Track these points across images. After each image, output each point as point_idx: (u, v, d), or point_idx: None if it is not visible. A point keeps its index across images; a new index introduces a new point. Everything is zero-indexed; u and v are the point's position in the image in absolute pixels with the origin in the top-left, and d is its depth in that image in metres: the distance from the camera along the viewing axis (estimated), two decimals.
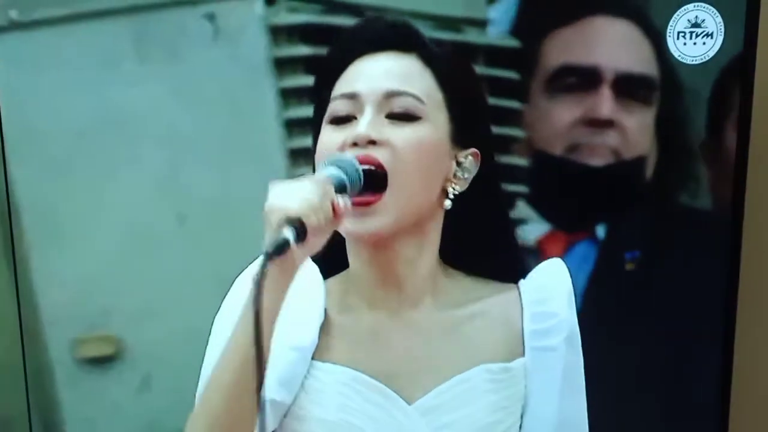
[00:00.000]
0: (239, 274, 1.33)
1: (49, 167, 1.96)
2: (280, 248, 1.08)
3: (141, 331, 2.01)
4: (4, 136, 1.94)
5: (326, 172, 1.17)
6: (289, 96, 1.91)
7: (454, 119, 1.27)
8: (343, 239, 1.29)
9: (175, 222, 1.97)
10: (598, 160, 1.92)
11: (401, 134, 1.22)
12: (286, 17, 1.89)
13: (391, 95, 1.23)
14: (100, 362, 2.02)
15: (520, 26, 1.90)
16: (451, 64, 1.29)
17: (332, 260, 1.30)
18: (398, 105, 1.23)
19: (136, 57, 1.90)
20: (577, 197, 1.95)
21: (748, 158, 1.89)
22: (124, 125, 1.94)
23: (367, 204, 1.22)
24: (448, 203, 1.27)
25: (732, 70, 1.87)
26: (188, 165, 1.95)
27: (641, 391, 1.98)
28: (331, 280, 1.33)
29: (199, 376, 1.31)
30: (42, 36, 1.91)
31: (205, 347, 1.33)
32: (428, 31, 1.33)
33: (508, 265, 1.35)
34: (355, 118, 1.24)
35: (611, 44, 1.90)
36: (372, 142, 1.22)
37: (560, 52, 1.90)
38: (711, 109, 1.91)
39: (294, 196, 1.12)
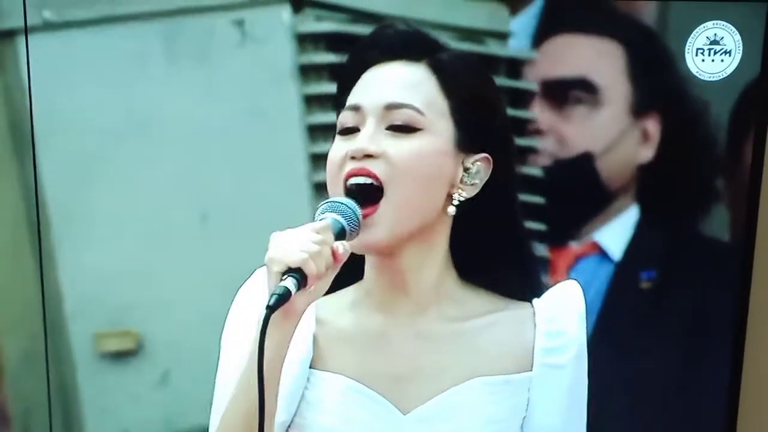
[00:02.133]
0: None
1: (77, 164, 1.98)
2: (281, 299, 1.12)
3: (162, 328, 2.03)
4: (34, 132, 1.97)
5: (326, 219, 1.19)
6: (312, 102, 1.93)
7: (459, 126, 1.27)
8: None
9: (198, 221, 1.99)
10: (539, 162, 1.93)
11: (399, 146, 1.24)
12: (313, 25, 1.91)
13: (391, 107, 1.25)
14: (121, 357, 2.04)
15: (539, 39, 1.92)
16: (460, 70, 1.29)
17: (353, 270, 1.31)
18: (398, 117, 1.25)
19: (165, 60, 1.93)
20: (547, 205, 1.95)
21: (762, 174, 1.90)
22: (151, 126, 1.95)
23: (363, 216, 1.23)
24: (452, 209, 1.27)
25: (750, 88, 1.88)
26: (212, 166, 1.97)
27: (654, 408, 1.98)
28: (349, 288, 1.33)
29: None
30: (74, 37, 1.93)
31: None
32: (450, 43, 1.35)
33: (522, 281, 1.35)
34: (359, 129, 1.26)
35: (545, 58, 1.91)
36: (369, 156, 1.23)
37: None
38: (729, 127, 1.91)
39: (294, 245, 1.14)
